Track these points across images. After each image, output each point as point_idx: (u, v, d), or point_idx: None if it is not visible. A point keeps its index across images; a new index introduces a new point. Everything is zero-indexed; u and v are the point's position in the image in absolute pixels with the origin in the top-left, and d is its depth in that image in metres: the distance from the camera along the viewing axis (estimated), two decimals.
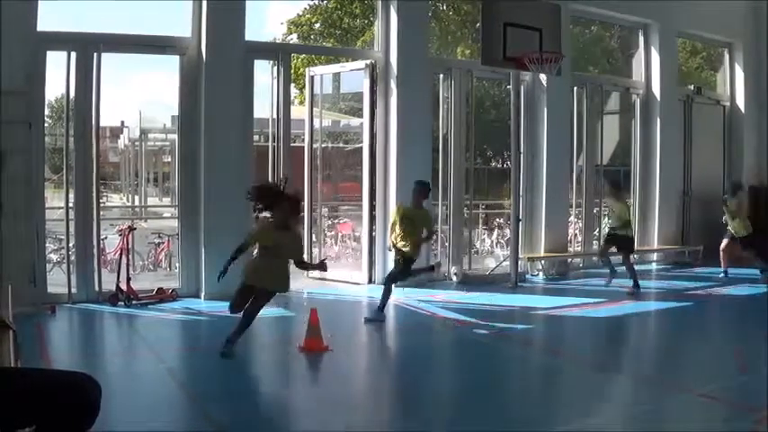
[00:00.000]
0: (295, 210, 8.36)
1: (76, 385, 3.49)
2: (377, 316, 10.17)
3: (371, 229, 12.93)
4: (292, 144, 13.28)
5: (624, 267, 12.94)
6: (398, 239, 10.35)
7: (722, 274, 14.10)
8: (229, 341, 7.83)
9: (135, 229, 12.55)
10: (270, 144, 12.62)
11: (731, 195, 14.51)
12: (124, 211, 25.24)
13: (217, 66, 11.41)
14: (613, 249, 13.12)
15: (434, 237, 10.82)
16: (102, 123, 11.88)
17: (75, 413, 3.39)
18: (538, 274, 14.39)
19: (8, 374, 3.58)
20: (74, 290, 10.97)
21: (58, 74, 10.94)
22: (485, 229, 18.67)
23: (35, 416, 3.36)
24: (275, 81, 12.37)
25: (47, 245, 11.93)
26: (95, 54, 10.98)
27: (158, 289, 11.42)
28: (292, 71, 15.32)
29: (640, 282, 12.77)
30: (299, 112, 16.21)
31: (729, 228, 14.25)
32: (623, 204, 13.11)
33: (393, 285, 10.49)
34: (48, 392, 3.38)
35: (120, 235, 11.95)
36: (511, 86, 13.73)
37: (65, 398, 3.38)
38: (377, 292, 10.80)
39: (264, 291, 8.05)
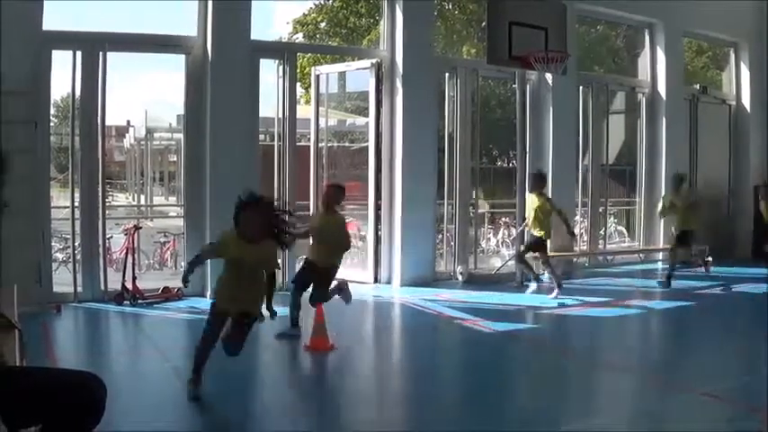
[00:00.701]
0: (254, 218, 6.37)
1: (82, 385, 3.49)
2: (292, 331, 8.93)
3: (377, 229, 12.94)
4: (298, 143, 13.28)
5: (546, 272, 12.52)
6: (313, 253, 9.12)
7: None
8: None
9: (140, 228, 12.57)
10: (275, 143, 12.62)
11: (675, 190, 13.74)
12: (130, 210, 25.27)
13: (222, 65, 11.43)
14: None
15: (349, 250, 9.35)
16: (107, 122, 11.88)
17: (81, 413, 3.39)
18: (543, 274, 14.35)
19: (14, 374, 3.59)
20: (79, 289, 10.99)
21: (63, 73, 10.96)
22: (490, 228, 18.66)
23: (40, 415, 3.37)
24: (281, 80, 12.37)
25: (52, 244, 11.96)
26: (101, 53, 10.99)
27: (164, 288, 11.43)
28: (298, 70, 15.31)
29: (643, 281, 12.73)
30: (304, 111, 16.20)
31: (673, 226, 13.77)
32: (544, 201, 12.19)
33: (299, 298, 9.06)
34: (53, 392, 3.38)
35: (126, 234, 11.97)
36: (516, 86, 13.73)
37: (70, 397, 3.38)
38: (383, 291, 10.80)
39: (238, 314, 6.58)
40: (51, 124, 11.51)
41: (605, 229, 16.56)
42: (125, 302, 10.82)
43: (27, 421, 3.41)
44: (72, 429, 3.38)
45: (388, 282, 12.93)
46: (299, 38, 27.45)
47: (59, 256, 13.23)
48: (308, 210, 13.35)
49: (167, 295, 11.27)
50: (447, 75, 13.86)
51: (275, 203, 6.04)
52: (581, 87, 15.31)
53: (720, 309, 11.77)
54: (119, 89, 36.38)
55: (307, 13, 27.82)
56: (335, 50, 21.75)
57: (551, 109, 14.51)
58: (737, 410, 6.53)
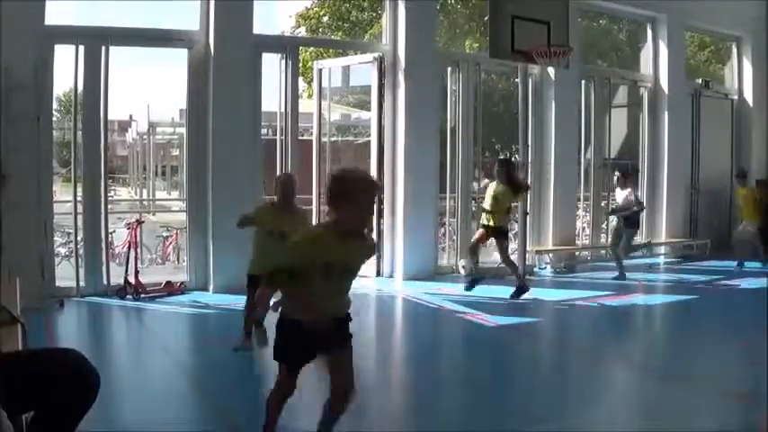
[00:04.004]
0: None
1: (75, 369, 3.49)
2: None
3: (379, 223, 12.92)
4: (301, 137, 13.28)
5: (503, 263, 11.71)
6: None
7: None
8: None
9: (143, 222, 12.59)
10: (278, 137, 12.64)
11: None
12: (132, 204, 25.32)
13: (225, 59, 11.42)
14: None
15: None
16: (110, 117, 11.89)
17: (75, 398, 3.40)
18: (546, 267, 14.40)
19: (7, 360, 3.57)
20: (82, 283, 11.01)
21: (66, 68, 10.96)
22: None
23: (34, 402, 3.36)
24: (283, 74, 12.38)
25: (55, 238, 11.97)
26: (104, 48, 10.99)
27: (166, 282, 11.45)
28: (300, 64, 15.31)
29: (649, 276, 12.68)
30: (307, 105, 16.19)
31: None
32: (506, 189, 11.36)
33: None
34: (45, 375, 3.39)
35: (129, 228, 11.98)
36: (519, 80, 13.72)
37: (64, 383, 3.39)
38: (385, 284, 10.80)
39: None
40: (54, 119, 11.51)
41: (607, 223, 16.56)
42: (127, 297, 10.84)
43: (23, 407, 3.41)
44: (66, 414, 3.39)
45: (391, 275, 12.95)
46: (302, 32, 27.44)
47: (62, 250, 13.25)
48: (311, 204, 13.37)
49: (170, 289, 11.29)
50: (449, 69, 13.85)
51: None
52: (583, 81, 15.30)
53: (722, 303, 11.78)
54: (121, 84, 36.39)
55: (309, 7, 27.81)
56: (338, 44, 21.71)
57: (553, 103, 14.52)
58: (746, 404, 6.54)
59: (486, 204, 11.51)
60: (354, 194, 4.33)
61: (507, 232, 11.77)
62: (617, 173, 13.99)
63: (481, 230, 11.71)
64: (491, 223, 11.39)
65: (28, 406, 3.39)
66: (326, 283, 4.46)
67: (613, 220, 14.29)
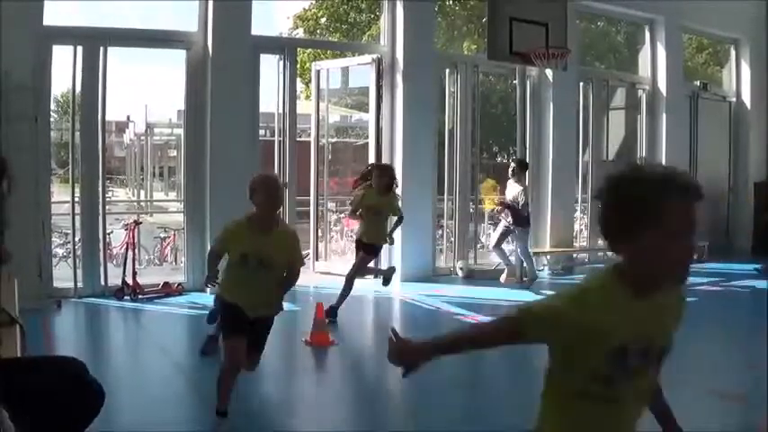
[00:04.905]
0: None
1: (74, 379, 3.48)
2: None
3: None
4: (299, 139, 13.28)
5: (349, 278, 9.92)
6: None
7: None
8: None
9: (141, 223, 12.58)
10: (276, 139, 12.65)
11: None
12: (130, 205, 25.35)
13: (223, 60, 11.42)
14: None
15: None
16: (108, 118, 11.89)
17: (73, 407, 3.39)
18: (543, 270, 14.38)
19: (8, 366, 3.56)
20: (80, 284, 10.99)
21: (64, 68, 10.96)
22: (490, 224, 18.64)
23: (32, 408, 3.35)
24: (281, 76, 12.39)
25: (53, 239, 11.96)
26: (102, 48, 10.99)
27: (164, 283, 11.44)
28: (299, 66, 15.31)
29: None
30: (305, 106, 16.18)
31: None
32: (392, 197, 10.22)
33: None
34: (44, 385, 3.38)
35: (126, 229, 11.97)
36: (517, 81, 13.73)
37: (61, 392, 3.38)
38: (382, 286, 10.74)
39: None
40: (52, 120, 11.48)
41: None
42: (125, 298, 10.83)
43: (22, 412, 3.39)
44: (61, 422, 3.37)
45: None
46: (300, 33, 27.46)
47: (59, 251, 13.24)
48: (308, 205, 13.37)
49: (168, 290, 11.28)
50: (448, 70, 13.85)
51: None
52: (581, 83, 15.31)
53: (721, 306, 11.78)
54: (119, 85, 36.39)
55: (307, 8, 27.83)
56: (336, 46, 21.73)
57: (552, 105, 14.51)
58: (745, 407, 6.54)
59: (364, 216, 9.97)
60: (658, 215, 2.41)
61: (380, 251, 10.47)
62: (512, 165, 12.93)
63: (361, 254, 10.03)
64: (366, 239, 9.95)
65: (26, 411, 3.38)
66: (613, 384, 2.51)
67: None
